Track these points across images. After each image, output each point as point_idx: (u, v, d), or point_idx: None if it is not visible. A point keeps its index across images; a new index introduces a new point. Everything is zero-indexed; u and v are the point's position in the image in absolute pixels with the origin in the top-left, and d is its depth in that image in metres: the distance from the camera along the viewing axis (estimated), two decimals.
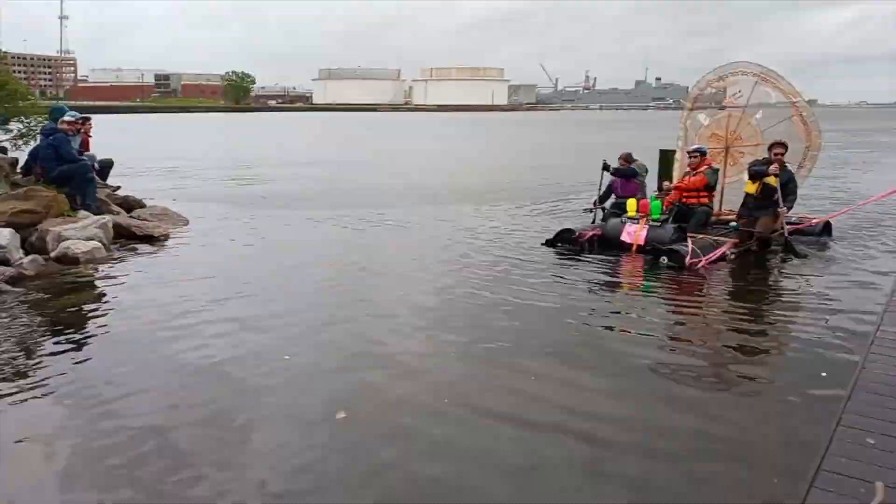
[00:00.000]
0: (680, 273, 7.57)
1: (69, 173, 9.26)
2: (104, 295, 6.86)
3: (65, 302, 6.53)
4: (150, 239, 9.17)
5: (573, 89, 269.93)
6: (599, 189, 10.45)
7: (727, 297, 7.11)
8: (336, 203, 13.07)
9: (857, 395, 3.30)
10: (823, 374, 4.71)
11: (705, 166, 9.21)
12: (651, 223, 8.55)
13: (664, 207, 9.10)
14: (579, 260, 8.28)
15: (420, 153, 29.23)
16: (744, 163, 9.79)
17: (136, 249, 8.75)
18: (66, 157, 9.35)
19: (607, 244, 8.72)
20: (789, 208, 8.57)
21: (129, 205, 10.50)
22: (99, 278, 7.43)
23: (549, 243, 8.86)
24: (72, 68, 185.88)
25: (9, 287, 6.78)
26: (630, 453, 3.65)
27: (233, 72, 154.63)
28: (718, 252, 8.07)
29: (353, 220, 11.12)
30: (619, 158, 10.14)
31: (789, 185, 8.57)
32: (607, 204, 10.29)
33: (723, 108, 10.72)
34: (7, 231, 7.77)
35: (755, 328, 5.89)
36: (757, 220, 8.48)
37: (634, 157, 10.26)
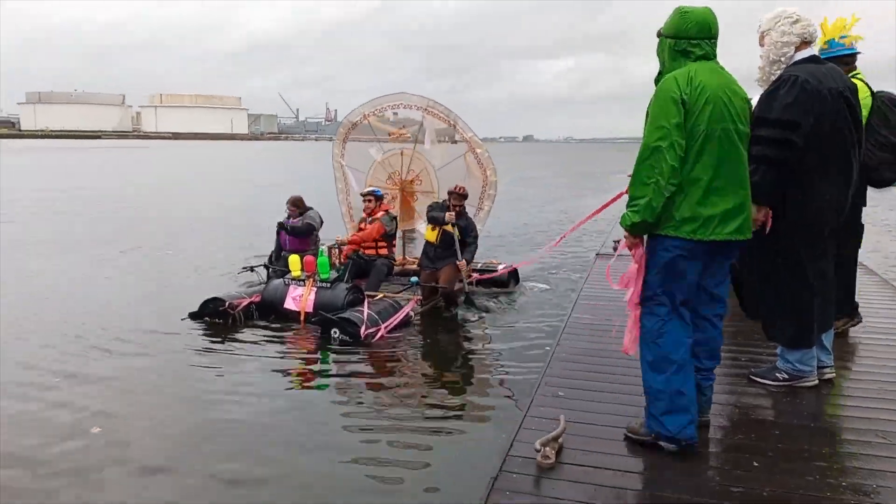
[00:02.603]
0: (357, 345, 6.13)
1: None
2: None
3: None
4: None
5: (315, 120, 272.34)
6: (272, 255, 8.56)
7: (420, 359, 6.19)
8: None
9: (552, 364, 4.29)
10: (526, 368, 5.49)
11: (382, 212, 7.90)
12: (320, 284, 7.02)
13: (340, 261, 7.88)
14: (232, 338, 6.38)
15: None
16: (420, 209, 8.86)
17: None
18: None
19: (270, 312, 6.99)
20: (469, 260, 7.62)
21: None
22: None
23: (195, 316, 6.82)
24: None
25: None
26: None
27: None
28: (399, 315, 6.72)
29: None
30: (288, 203, 8.48)
31: (470, 235, 7.62)
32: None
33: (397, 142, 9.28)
34: None
35: (457, 375, 5.80)
36: (439, 272, 7.48)
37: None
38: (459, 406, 4.99)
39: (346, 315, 6.37)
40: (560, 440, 3.11)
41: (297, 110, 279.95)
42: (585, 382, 3.95)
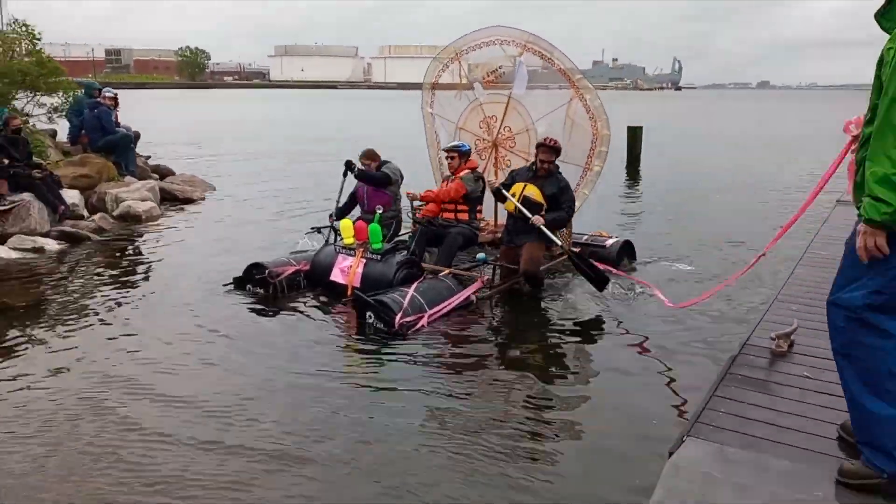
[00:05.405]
0: (394, 337, 5.03)
1: (114, 143, 10.36)
2: (167, 245, 7.97)
3: (135, 250, 7.84)
4: (190, 201, 10.41)
5: (532, 69, 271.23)
6: (339, 199, 7.11)
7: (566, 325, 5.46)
8: None
9: (789, 283, 4.85)
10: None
11: (466, 170, 6.73)
12: (369, 255, 6.02)
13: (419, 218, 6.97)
14: (263, 313, 5.61)
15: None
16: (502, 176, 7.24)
17: (183, 209, 10.04)
18: (108, 128, 10.43)
19: (318, 283, 6.14)
20: (551, 223, 5.99)
21: (161, 172, 11.68)
22: (159, 232, 8.65)
23: (239, 283, 6.13)
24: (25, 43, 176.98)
25: (95, 236, 8.07)
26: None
27: (186, 47, 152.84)
28: (454, 300, 5.58)
29: None
30: (362, 157, 7.17)
31: (563, 202, 6.15)
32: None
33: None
34: (74, 192, 8.94)
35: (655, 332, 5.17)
36: (520, 249, 6.07)
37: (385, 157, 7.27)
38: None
39: (384, 297, 5.27)
40: (792, 337, 3.77)
41: (514, 59, 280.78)
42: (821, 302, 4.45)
